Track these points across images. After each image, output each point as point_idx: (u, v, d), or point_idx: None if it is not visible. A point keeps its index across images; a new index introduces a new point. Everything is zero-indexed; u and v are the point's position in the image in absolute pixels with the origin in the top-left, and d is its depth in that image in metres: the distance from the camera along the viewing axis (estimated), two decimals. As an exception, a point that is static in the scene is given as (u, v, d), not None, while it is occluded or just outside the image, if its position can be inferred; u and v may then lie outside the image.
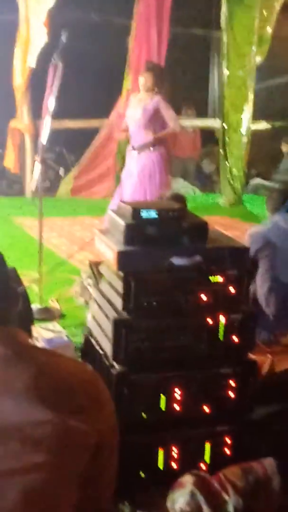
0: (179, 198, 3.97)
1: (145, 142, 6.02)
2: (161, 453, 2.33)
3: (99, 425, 1.36)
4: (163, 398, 2.30)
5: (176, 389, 2.31)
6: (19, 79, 8.18)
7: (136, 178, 6.02)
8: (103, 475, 1.42)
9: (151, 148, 6.05)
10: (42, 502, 1.28)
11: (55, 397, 1.32)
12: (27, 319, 1.62)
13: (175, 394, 2.31)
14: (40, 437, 1.28)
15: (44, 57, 7.28)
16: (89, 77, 10.19)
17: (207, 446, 2.37)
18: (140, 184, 6.01)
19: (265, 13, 8.88)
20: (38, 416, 1.29)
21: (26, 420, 1.29)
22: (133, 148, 6.15)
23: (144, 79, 6.10)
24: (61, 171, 9.98)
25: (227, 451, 2.39)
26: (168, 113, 6.08)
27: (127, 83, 8.49)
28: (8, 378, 1.30)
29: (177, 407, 2.32)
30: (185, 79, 11.56)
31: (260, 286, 3.36)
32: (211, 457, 2.37)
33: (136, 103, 6.16)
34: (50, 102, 4.15)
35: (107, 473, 1.43)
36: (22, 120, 8.51)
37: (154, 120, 6.09)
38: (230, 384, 2.37)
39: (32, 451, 1.28)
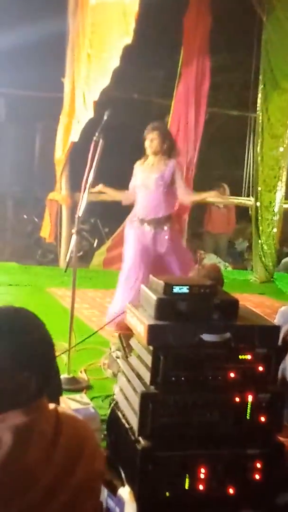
0: (216, 269, 4.07)
1: (162, 216, 5.39)
2: (183, 535, 2.28)
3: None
4: (187, 476, 2.27)
5: (201, 468, 2.28)
6: (60, 153, 8.45)
7: (163, 260, 5.39)
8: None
9: (166, 226, 5.39)
10: None
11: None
12: (57, 389, 1.66)
13: (200, 473, 2.28)
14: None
15: (84, 132, 7.55)
16: (127, 153, 10.46)
17: (231, 529, 2.32)
18: (171, 266, 5.40)
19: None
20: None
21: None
22: (142, 222, 5.44)
23: (149, 140, 5.40)
24: (95, 243, 10.17)
25: (252, 536, 2.33)
26: (182, 185, 5.40)
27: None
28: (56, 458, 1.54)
29: (201, 486, 2.28)
30: (221, 157, 11.82)
31: (290, 367, 3.32)
32: None
33: (148, 169, 5.44)
34: (89, 177, 4.28)
35: None
36: (60, 192, 8.74)
37: (171, 189, 5.39)
38: (256, 466, 2.33)
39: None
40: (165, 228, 5.40)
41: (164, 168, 5.36)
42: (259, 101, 9.10)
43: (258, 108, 9.15)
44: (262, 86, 9.00)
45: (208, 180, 10.96)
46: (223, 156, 12.04)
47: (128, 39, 6.67)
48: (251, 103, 9.90)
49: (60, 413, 1.63)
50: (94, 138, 4.27)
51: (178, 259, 5.43)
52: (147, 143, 5.43)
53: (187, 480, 2.27)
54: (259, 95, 9.07)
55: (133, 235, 5.52)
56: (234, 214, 11.05)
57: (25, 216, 11.25)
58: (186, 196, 5.60)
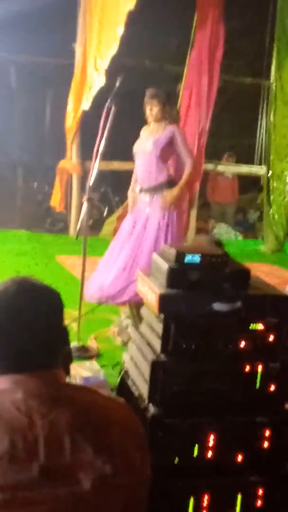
0: (217, 243, 3.98)
1: (158, 183, 5.31)
2: (191, 501, 2.30)
3: (134, 464, 1.41)
4: (196, 444, 2.28)
5: (210, 436, 2.29)
6: (71, 121, 8.39)
7: (155, 227, 5.32)
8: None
9: (165, 192, 5.28)
10: None
11: (93, 436, 1.38)
12: (67, 358, 1.65)
13: (209, 441, 2.29)
14: (80, 477, 1.33)
15: (95, 101, 7.48)
16: (138, 121, 10.39)
17: (239, 496, 2.33)
18: (156, 235, 5.32)
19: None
20: (80, 456, 1.34)
21: (69, 458, 1.36)
22: (141, 190, 5.42)
23: (149, 109, 5.40)
24: (105, 212, 10.16)
25: (259, 502, 2.34)
26: (184, 149, 5.33)
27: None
28: (52, 420, 1.39)
29: (209, 454, 2.30)
30: (232, 126, 11.71)
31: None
32: (242, 508, 2.33)
33: (147, 135, 5.43)
34: (101, 145, 4.24)
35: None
36: (70, 160, 8.70)
37: (168, 154, 5.36)
38: (265, 434, 2.34)
39: (72, 487, 1.32)
40: (164, 192, 5.31)
41: (161, 133, 5.32)
42: (273, 68, 9.02)
43: (271, 76, 9.05)
44: (276, 54, 8.87)
45: (219, 149, 10.89)
46: (235, 125, 11.92)
47: (131, 4, 6.53)
48: (265, 71, 9.77)
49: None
50: (107, 104, 4.22)
51: (167, 230, 5.34)
52: (147, 112, 5.44)
53: (196, 447, 2.28)
54: (273, 63, 8.95)
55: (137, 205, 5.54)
56: (237, 184, 10.96)
57: (35, 185, 11.23)
58: (190, 160, 5.39)
